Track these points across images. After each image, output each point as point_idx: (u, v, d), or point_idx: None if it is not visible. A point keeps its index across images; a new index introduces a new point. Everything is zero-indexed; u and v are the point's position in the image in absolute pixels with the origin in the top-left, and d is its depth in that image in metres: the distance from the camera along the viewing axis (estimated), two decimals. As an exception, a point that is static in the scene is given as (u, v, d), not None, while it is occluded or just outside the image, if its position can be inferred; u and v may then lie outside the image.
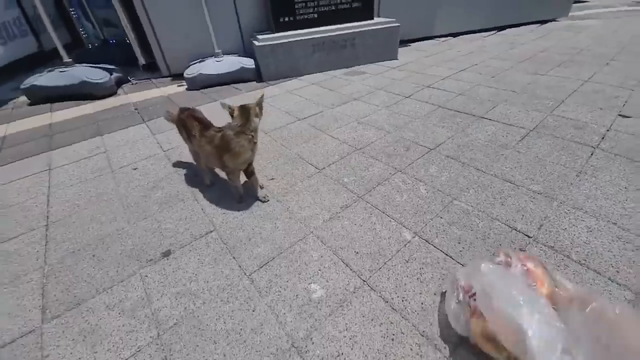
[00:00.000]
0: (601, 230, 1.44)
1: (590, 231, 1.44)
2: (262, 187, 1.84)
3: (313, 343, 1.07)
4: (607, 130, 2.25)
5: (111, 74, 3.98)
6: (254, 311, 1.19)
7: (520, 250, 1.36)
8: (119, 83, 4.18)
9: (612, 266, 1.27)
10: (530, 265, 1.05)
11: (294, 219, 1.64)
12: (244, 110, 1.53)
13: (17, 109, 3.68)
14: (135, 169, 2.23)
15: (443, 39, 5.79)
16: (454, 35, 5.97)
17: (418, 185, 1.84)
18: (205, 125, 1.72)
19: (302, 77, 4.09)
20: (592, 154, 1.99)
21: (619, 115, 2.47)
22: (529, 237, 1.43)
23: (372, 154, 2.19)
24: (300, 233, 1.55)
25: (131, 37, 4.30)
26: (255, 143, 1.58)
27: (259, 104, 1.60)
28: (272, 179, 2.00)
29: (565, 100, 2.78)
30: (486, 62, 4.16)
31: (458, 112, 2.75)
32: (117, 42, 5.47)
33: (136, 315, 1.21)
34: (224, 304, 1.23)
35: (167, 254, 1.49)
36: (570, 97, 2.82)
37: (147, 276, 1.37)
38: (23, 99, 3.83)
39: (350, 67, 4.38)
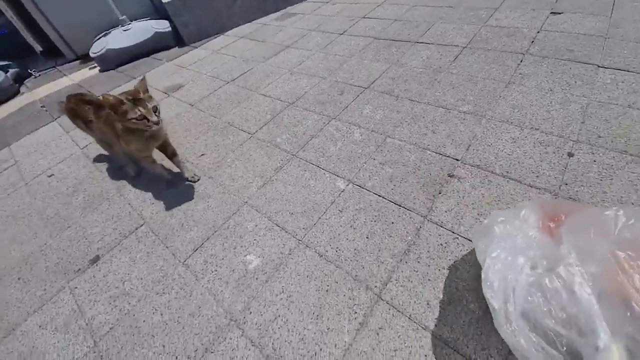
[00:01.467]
0: (524, 139, 1.45)
1: (514, 141, 1.45)
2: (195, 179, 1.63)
3: (251, 313, 1.08)
4: (538, 32, 2.19)
5: (6, 72, 3.38)
6: (190, 296, 1.17)
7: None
8: (20, 79, 3.59)
9: (533, 172, 1.31)
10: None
11: (227, 193, 1.56)
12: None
13: None
14: (51, 175, 1.99)
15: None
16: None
17: (352, 130, 1.76)
18: (99, 105, 1.48)
19: (228, 33, 3.64)
20: (521, 61, 1.95)
21: (551, 12, 2.39)
22: (457, 160, 1.43)
23: (305, 106, 2.05)
24: (233, 206, 1.48)
25: (16, 22, 3.57)
26: (153, 125, 1.28)
27: (140, 89, 1.26)
28: (202, 155, 1.86)
29: (500, 6, 2.64)
30: (423, -23, 3.82)
31: (394, 40, 2.57)
32: (8, 33, 4.57)
33: (70, 329, 1.16)
34: (159, 296, 1.19)
35: (95, 260, 1.39)
36: (504, 3, 2.68)
37: (76, 287, 1.30)
38: None
39: (281, 9, 3.92)
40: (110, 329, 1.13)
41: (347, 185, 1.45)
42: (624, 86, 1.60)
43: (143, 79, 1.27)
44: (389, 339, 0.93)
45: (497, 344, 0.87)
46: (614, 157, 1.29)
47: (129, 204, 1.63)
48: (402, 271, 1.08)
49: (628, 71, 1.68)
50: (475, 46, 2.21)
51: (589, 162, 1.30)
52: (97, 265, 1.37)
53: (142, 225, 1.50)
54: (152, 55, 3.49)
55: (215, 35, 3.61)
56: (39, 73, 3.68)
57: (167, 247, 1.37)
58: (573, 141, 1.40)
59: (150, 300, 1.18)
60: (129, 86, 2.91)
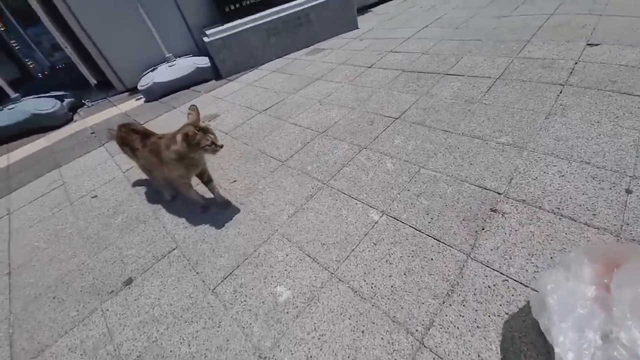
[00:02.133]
0: (574, 173, 1.36)
1: (563, 175, 1.36)
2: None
3: (281, 351, 1.01)
4: (576, 63, 2.13)
5: (62, 101, 3.78)
6: (219, 327, 1.13)
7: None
8: (74, 108, 3.99)
9: (588, 209, 1.20)
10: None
11: (258, 220, 1.56)
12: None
13: (-28, 155, 3.51)
14: (94, 197, 2.12)
15: (404, -3, 5.50)
16: (416, -9, 5.67)
17: (384, 160, 1.74)
18: (146, 134, 1.60)
19: (262, 67, 3.89)
20: (560, 92, 1.89)
21: (587, 44, 2.34)
22: (499, 194, 1.35)
23: (335, 135, 2.08)
24: (264, 234, 1.47)
25: (75, 57, 4.05)
26: (219, 149, 1.38)
27: (195, 125, 1.35)
28: (235, 181, 1.90)
29: (531, 39, 2.64)
30: (449, 13, 3.95)
31: (422, 72, 2.61)
32: (66, 66, 5.18)
33: (98, 354, 1.15)
34: (188, 325, 1.16)
35: (128, 282, 1.41)
36: (536, 36, 2.68)
37: (108, 310, 1.30)
38: (-23, 144, 3.65)
39: (311, 45, 4.17)
40: (138, 357, 1.10)
41: (381, 216, 1.40)
42: (683, 118, 1.48)
43: (195, 110, 1.37)
44: (436, 394, 0.83)
45: (568, 412, 0.74)
46: (683, 195, 1.16)
47: (164, 227, 1.68)
48: (446, 315, 0.99)
49: (685, 103, 1.57)
50: (508, 77, 2.18)
51: (652, 200, 1.18)
52: (129, 287, 1.38)
53: (174, 249, 1.52)
54: (192, 88, 3.77)
55: (250, 70, 3.86)
56: (92, 103, 4.08)
57: (197, 272, 1.37)
58: (630, 177, 1.28)
59: (178, 329, 1.16)
60: (169, 115, 3.13)
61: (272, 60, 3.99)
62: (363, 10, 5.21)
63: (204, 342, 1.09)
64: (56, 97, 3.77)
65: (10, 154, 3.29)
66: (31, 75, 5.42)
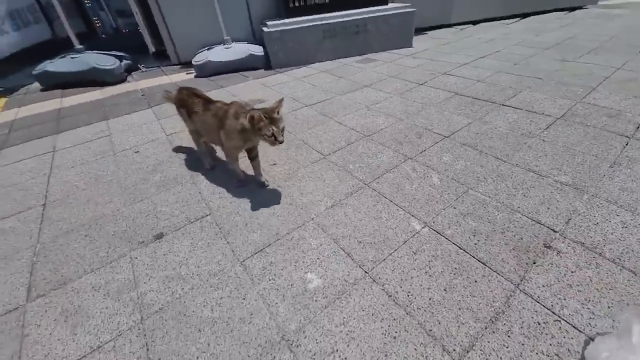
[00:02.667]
0: (638, 227, 1.26)
1: (626, 227, 1.27)
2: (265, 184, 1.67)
3: (306, 337, 0.97)
4: (645, 120, 2.03)
5: (121, 61, 3.97)
6: (244, 299, 1.10)
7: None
8: (129, 70, 4.18)
9: (653, 266, 1.11)
10: None
11: (294, 205, 1.54)
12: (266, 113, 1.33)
13: (29, 94, 3.73)
14: (136, 152, 2.18)
15: (462, 26, 5.50)
16: (474, 22, 5.67)
17: (430, 174, 1.69)
18: (208, 100, 1.64)
19: (312, 65, 3.96)
20: (627, 144, 1.79)
21: (659, 103, 2.22)
22: (554, 231, 1.27)
23: (381, 141, 2.06)
24: (299, 220, 1.45)
25: (142, 24, 4.27)
26: (278, 144, 1.35)
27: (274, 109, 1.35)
28: (275, 164, 1.90)
29: (597, 87, 2.54)
30: (508, 49, 3.90)
31: (476, 99, 2.56)
32: (130, 32, 5.47)
33: (121, 298, 1.15)
34: (213, 290, 1.15)
35: (159, 236, 1.41)
36: (602, 85, 2.58)
37: (136, 258, 1.31)
38: (36, 84, 3.89)
39: (363, 54, 4.21)
40: (160, 309, 1.09)
41: (423, 227, 1.35)
42: None
43: (281, 101, 1.36)
44: (472, 421, 0.76)
45: None
46: None
47: (200, 192, 1.69)
48: (488, 341, 0.92)
49: None
50: (571, 119, 2.09)
51: None
52: (160, 242, 1.38)
53: (208, 215, 1.52)
54: (241, 72, 3.88)
55: (300, 66, 3.93)
56: (146, 69, 4.27)
57: (228, 242, 1.35)
58: None
59: (203, 292, 1.14)
60: (217, 92, 3.22)
61: (322, 61, 4.06)
62: (419, 31, 5.24)
63: (227, 311, 1.07)
64: (116, 56, 3.96)
65: (64, 99, 3.46)
66: (96, 33, 5.78)
